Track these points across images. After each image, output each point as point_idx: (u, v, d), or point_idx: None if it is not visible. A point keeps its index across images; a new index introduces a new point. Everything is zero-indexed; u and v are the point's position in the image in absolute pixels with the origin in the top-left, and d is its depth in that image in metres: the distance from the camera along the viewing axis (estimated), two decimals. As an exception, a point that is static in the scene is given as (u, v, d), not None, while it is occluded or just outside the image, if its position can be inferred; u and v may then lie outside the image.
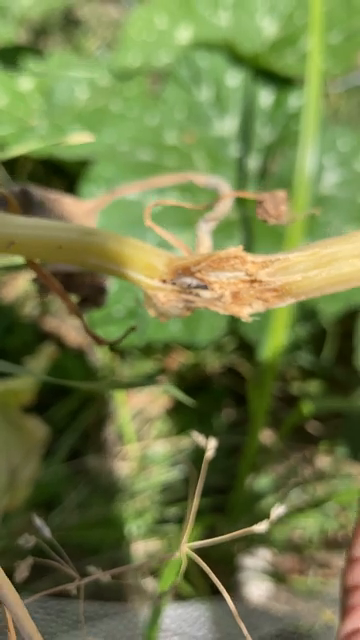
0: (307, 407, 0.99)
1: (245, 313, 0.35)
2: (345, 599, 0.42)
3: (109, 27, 1.98)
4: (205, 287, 0.35)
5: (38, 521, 0.38)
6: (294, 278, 0.34)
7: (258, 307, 0.35)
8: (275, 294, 0.35)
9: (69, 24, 1.92)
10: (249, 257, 0.35)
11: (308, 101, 0.95)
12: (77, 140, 0.50)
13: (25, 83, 1.50)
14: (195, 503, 0.44)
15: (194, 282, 0.35)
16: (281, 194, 0.47)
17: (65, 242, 0.34)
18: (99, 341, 0.40)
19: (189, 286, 0.35)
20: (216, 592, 1.03)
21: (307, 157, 0.95)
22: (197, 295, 0.35)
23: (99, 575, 0.38)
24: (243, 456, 1.08)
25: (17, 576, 0.37)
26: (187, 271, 0.35)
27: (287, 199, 0.47)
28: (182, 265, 0.35)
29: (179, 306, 0.36)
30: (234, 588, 1.22)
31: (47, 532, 0.38)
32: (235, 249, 0.35)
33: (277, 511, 0.39)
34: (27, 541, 0.37)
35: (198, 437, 0.42)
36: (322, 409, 1.31)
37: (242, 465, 1.09)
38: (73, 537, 1.05)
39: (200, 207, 0.44)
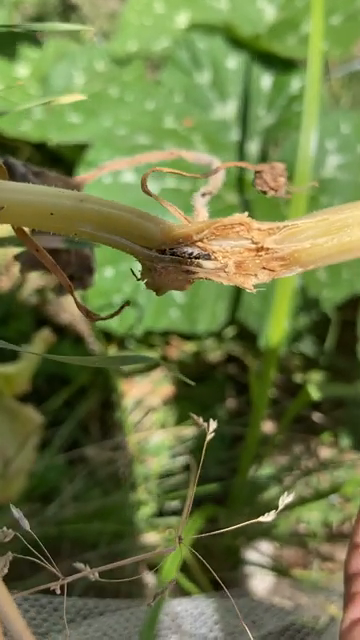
0: (310, 393, 0.96)
1: (250, 283, 0.33)
2: (348, 587, 0.41)
3: (105, 15, 1.95)
4: (207, 257, 0.32)
5: (16, 512, 0.35)
6: (303, 245, 0.32)
7: (264, 277, 0.33)
8: (282, 263, 0.32)
9: (65, 11, 1.89)
10: (255, 224, 0.32)
11: (310, 82, 0.93)
12: (70, 100, 0.47)
13: (21, 69, 1.47)
14: (191, 494, 0.41)
15: (195, 251, 0.32)
16: (280, 165, 0.45)
17: (57, 209, 0.31)
18: (90, 316, 0.38)
19: (190, 256, 0.32)
20: (218, 587, 1.01)
21: (310, 138, 0.92)
22: (198, 265, 0.33)
23: (85, 573, 0.35)
24: (245, 446, 1.05)
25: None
26: (188, 239, 0.32)
27: (285, 171, 0.45)
28: (183, 233, 0.32)
29: (178, 278, 0.33)
30: (237, 582, 1.20)
31: (26, 525, 0.35)
32: (240, 215, 0.32)
33: (285, 500, 0.36)
34: (4, 535, 0.35)
35: (199, 420, 0.40)
36: (325, 398, 1.28)
37: (244, 456, 1.07)
38: (70, 530, 1.03)
39: (197, 176, 0.42)
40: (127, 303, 0.38)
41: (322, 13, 0.97)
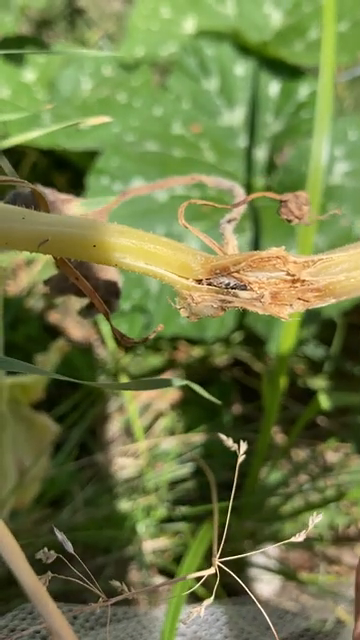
0: (323, 401, 0.97)
1: (285, 313, 0.34)
2: (358, 595, 0.40)
3: (111, 19, 1.95)
4: (244, 287, 0.33)
5: (59, 535, 0.36)
6: (337, 278, 0.33)
7: (298, 307, 0.34)
8: (317, 294, 0.33)
9: (71, 15, 1.89)
10: (291, 257, 0.33)
11: (322, 90, 0.93)
12: (93, 123, 0.48)
13: (29, 74, 1.47)
14: (215, 512, 0.42)
15: (232, 282, 0.33)
16: (303, 195, 0.46)
17: (100, 241, 0.32)
18: (125, 340, 0.39)
19: (227, 286, 0.33)
20: (230, 592, 1.02)
21: (321, 147, 0.93)
22: (235, 295, 0.34)
23: (127, 595, 0.36)
24: (255, 452, 1.06)
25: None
26: (225, 271, 0.33)
27: (309, 200, 0.46)
28: (220, 265, 0.33)
29: (214, 306, 0.34)
30: (245, 586, 1.21)
31: (70, 547, 0.36)
32: (277, 249, 0.33)
33: (315, 521, 0.37)
34: (47, 557, 0.36)
35: (228, 442, 0.41)
36: (334, 404, 1.29)
37: (254, 461, 1.07)
38: (82, 535, 1.04)
39: (227, 207, 0.43)
40: (155, 332, 0.39)
41: (334, 20, 0.97)
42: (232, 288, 0.34)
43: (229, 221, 0.45)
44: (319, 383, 1.35)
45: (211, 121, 1.30)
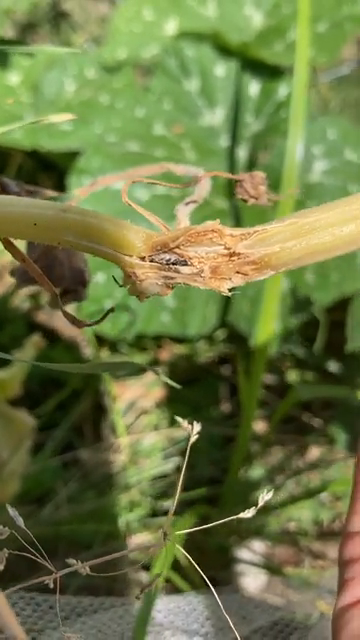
0: (296, 393, 0.98)
1: (225, 287, 0.35)
2: (341, 573, 0.42)
3: (96, 21, 1.97)
4: (184, 262, 0.34)
5: (11, 511, 0.37)
6: (272, 249, 0.34)
7: (238, 281, 0.35)
8: (254, 267, 0.34)
9: (56, 18, 1.91)
10: (227, 230, 0.34)
11: (296, 90, 0.95)
12: (59, 119, 0.49)
13: (13, 77, 1.49)
14: (179, 488, 0.43)
15: (173, 258, 0.34)
16: (259, 174, 0.47)
17: (40, 219, 0.33)
18: (77, 323, 0.40)
19: (168, 262, 0.34)
20: (212, 585, 1.03)
21: (296, 145, 0.94)
22: (176, 271, 0.35)
23: (77, 567, 0.37)
24: (236, 446, 1.07)
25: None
26: (166, 247, 0.34)
27: (265, 179, 0.47)
28: (160, 241, 0.34)
29: (158, 283, 0.35)
30: (230, 580, 1.22)
31: (21, 522, 0.37)
32: (212, 223, 0.34)
33: (264, 498, 0.38)
34: (0, 533, 0.36)
35: (184, 423, 0.42)
36: (314, 398, 1.30)
37: (235, 456, 1.08)
38: (66, 531, 1.04)
39: (178, 186, 0.44)
40: (112, 310, 0.40)
41: (308, 21, 0.99)
42: (173, 264, 0.34)
43: (187, 203, 0.46)
44: (304, 379, 1.37)
45: (192, 121, 1.31)
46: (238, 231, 0.34)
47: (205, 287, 0.35)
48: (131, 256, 0.35)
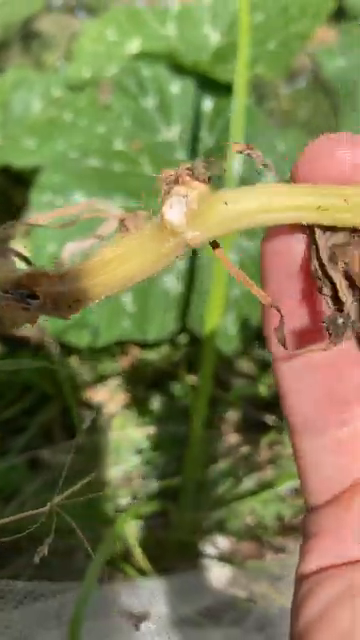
0: (238, 390, 1.05)
1: (67, 315, 0.40)
2: (303, 545, 0.42)
3: (68, 38, 2.04)
4: (35, 296, 0.40)
5: None
6: (84, 284, 0.38)
7: (73, 311, 0.40)
8: (75, 301, 0.40)
9: (27, 36, 1.97)
10: (47, 272, 0.39)
11: (235, 108, 1.02)
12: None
13: (-17, 96, 1.56)
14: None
15: (25, 291, 0.40)
16: (142, 214, 0.52)
17: None
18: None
19: (22, 295, 0.40)
20: (165, 572, 1.09)
21: (233, 161, 1.01)
22: (29, 303, 0.40)
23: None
24: (189, 443, 1.14)
25: None
26: (21, 282, 0.40)
27: (148, 218, 0.52)
28: (15, 277, 0.40)
29: (20, 314, 0.41)
30: (194, 575, 1.27)
31: None
32: (34, 269, 0.39)
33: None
34: None
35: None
36: (274, 397, 1.36)
37: (188, 453, 1.15)
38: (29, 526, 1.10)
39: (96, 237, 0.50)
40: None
41: (248, 45, 1.06)
42: (27, 297, 0.40)
43: (80, 242, 0.51)
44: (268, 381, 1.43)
45: (150, 137, 1.38)
46: (55, 271, 0.39)
47: (54, 317, 0.40)
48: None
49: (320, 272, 0.35)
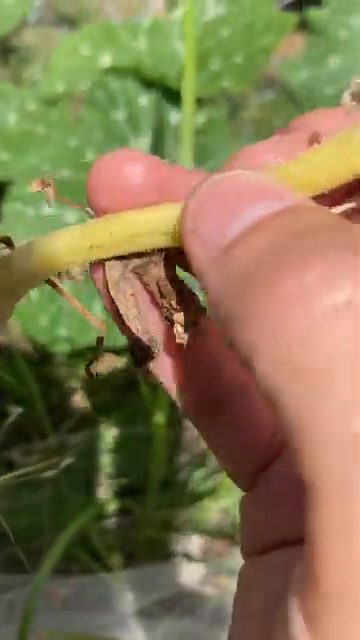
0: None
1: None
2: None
3: (48, 52, 2.09)
4: None
5: None
6: None
7: None
8: None
9: (5, 52, 2.03)
10: None
11: (184, 122, 1.07)
12: None
13: None
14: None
15: None
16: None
17: None
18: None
19: None
20: (127, 565, 1.14)
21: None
22: None
23: None
24: (154, 445, 1.18)
25: None
26: None
27: None
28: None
29: None
30: (166, 574, 1.31)
31: None
32: None
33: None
34: None
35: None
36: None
37: (155, 451, 1.19)
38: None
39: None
40: None
41: (194, 65, 1.10)
42: None
43: None
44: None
45: (121, 148, 1.43)
46: None
47: None
48: None
49: (112, 304, 0.34)
